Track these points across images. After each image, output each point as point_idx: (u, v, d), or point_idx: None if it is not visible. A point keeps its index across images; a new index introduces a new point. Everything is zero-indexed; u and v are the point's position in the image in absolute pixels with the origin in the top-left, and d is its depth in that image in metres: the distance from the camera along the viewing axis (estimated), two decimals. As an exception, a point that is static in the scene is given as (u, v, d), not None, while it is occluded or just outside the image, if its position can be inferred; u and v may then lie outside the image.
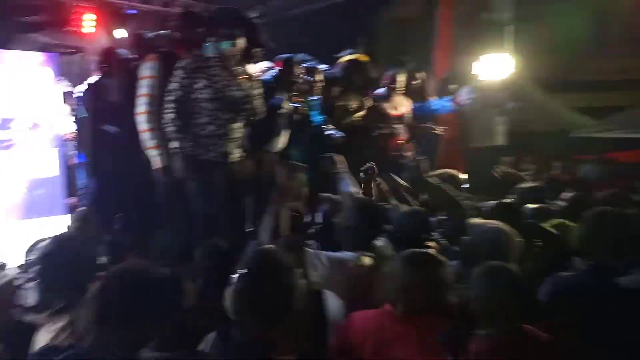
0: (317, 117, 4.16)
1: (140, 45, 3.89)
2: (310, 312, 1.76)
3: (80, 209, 3.72)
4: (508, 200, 3.29)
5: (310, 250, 2.34)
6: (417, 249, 2.11)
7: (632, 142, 8.28)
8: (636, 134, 8.34)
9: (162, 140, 3.22)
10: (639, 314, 1.92)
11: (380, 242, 2.48)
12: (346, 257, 2.32)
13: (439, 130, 5.01)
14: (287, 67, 4.02)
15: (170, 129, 3.10)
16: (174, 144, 3.12)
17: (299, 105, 4.03)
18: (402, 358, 1.78)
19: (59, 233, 2.47)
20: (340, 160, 3.13)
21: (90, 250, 2.28)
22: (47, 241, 2.29)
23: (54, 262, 2.15)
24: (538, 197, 3.54)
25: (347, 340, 1.87)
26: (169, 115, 3.09)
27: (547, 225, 3.05)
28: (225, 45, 3.13)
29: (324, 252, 2.36)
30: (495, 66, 5.50)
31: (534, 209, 3.31)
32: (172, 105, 3.09)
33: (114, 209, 3.71)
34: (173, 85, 3.10)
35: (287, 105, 3.82)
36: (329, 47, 4.83)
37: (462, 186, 3.85)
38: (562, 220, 3.09)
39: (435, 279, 1.84)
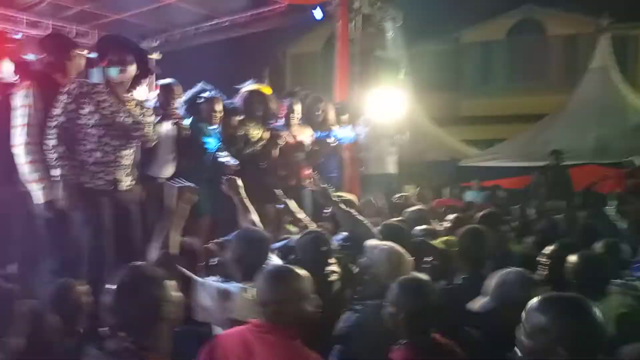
0: (211, 144, 4.17)
1: (20, 71, 3.70)
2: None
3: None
4: (393, 221, 3.47)
5: (199, 279, 2.30)
6: (280, 265, 2.25)
7: (513, 170, 9.11)
8: (516, 163, 9.19)
9: (45, 173, 3.04)
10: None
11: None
12: (232, 289, 2.28)
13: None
14: (165, 91, 4.10)
15: (52, 156, 2.93)
16: (57, 172, 2.95)
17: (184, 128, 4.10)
18: None
19: None
20: (239, 184, 3.14)
21: None
22: None
23: None
24: (423, 219, 3.79)
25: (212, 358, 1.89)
26: (51, 142, 2.93)
27: (436, 242, 3.29)
28: (113, 72, 3.06)
29: (212, 283, 2.33)
30: (388, 101, 5.85)
31: (422, 229, 3.53)
32: (55, 131, 2.93)
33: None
34: (57, 111, 2.96)
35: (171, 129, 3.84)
36: (232, 78, 4.88)
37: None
38: (449, 237, 3.35)
39: (291, 291, 1.93)
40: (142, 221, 3.27)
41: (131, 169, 3.23)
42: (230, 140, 4.36)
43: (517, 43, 14.30)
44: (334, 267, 2.72)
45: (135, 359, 1.65)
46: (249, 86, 4.75)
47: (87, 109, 2.96)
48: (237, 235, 2.59)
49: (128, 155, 3.16)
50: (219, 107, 4.27)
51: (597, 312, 1.52)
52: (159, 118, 3.90)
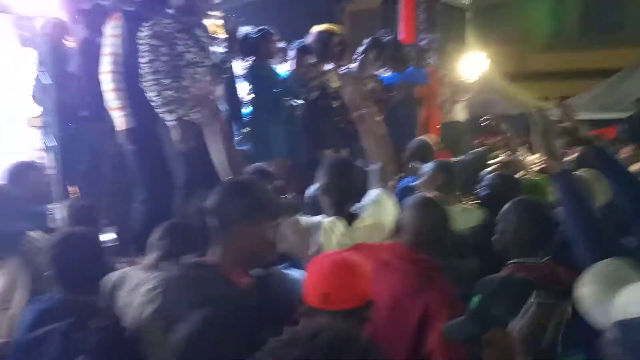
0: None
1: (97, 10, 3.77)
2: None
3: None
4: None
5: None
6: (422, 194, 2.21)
7: (594, 123, 8.58)
8: (595, 115, 8.65)
9: (127, 101, 3.14)
10: None
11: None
12: (320, 222, 2.20)
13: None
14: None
15: (151, 93, 3.04)
16: (159, 108, 3.04)
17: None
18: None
19: None
20: None
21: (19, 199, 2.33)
22: None
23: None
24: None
25: None
26: (149, 83, 3.03)
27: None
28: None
29: (299, 216, 2.27)
30: (471, 64, 5.68)
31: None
32: (151, 73, 3.03)
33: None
34: (149, 55, 3.03)
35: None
36: (290, 36, 4.76)
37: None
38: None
39: (433, 219, 1.97)
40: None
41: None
42: (304, 86, 4.28)
43: (590, -8, 13.36)
44: None
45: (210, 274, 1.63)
46: (319, 27, 4.66)
47: (179, 49, 3.05)
48: (326, 164, 2.46)
49: (216, 90, 3.22)
50: (275, 38, 4.18)
51: None
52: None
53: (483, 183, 2.99)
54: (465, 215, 2.67)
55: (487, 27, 11.43)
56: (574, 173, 2.22)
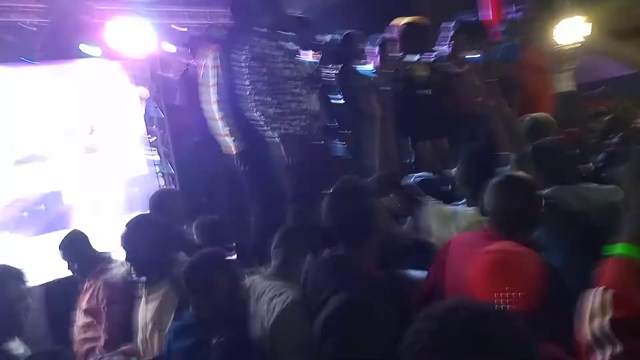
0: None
1: (195, 43, 4.02)
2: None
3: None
4: None
5: (424, 200, 2.33)
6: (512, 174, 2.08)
7: None
8: None
9: (234, 126, 3.31)
10: None
11: None
12: (458, 210, 2.28)
13: None
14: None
15: (259, 113, 3.19)
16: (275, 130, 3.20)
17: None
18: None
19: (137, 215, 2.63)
20: None
21: (158, 224, 2.44)
22: (127, 223, 2.45)
23: (130, 244, 2.36)
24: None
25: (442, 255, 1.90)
26: (262, 106, 3.19)
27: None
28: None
29: (438, 204, 2.36)
30: (571, 29, 5.30)
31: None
32: (255, 93, 3.18)
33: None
34: (253, 77, 3.19)
35: None
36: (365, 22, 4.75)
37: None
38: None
39: (523, 201, 1.84)
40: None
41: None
42: (388, 80, 4.26)
43: None
44: None
45: (351, 265, 1.72)
46: (402, 20, 4.59)
47: (278, 66, 3.19)
48: (463, 156, 2.50)
49: (311, 102, 3.34)
50: (360, 40, 4.18)
51: None
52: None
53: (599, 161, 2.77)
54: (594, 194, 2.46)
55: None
56: None
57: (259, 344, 1.84)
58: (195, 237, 3.04)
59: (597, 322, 1.14)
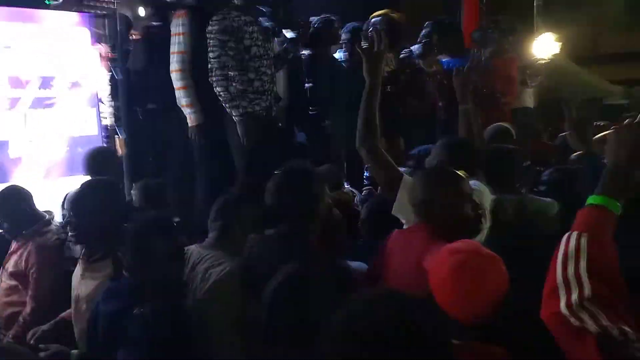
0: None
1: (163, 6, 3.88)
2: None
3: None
4: None
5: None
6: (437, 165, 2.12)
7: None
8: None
9: (195, 98, 3.24)
10: None
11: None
12: None
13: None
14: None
15: (219, 89, 3.13)
16: (226, 102, 3.15)
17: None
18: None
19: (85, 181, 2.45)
20: None
21: (118, 193, 2.33)
22: (74, 190, 2.33)
23: (81, 208, 2.18)
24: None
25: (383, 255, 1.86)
26: (218, 79, 3.12)
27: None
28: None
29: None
30: (541, 46, 5.40)
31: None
32: (219, 69, 3.11)
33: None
34: (218, 50, 3.10)
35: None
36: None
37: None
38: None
39: (453, 193, 1.77)
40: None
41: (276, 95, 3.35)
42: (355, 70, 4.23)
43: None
44: None
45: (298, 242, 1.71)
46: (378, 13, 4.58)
47: (245, 42, 3.10)
48: (443, 143, 2.42)
49: (276, 83, 3.27)
50: (338, 25, 4.14)
51: None
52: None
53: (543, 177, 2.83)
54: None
55: (557, 9, 10.82)
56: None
57: (186, 315, 1.77)
58: (136, 198, 2.93)
59: (571, 266, 1.13)
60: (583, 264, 1.12)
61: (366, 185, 3.46)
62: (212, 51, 3.12)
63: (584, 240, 1.15)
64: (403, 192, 1.94)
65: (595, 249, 1.14)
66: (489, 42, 5.35)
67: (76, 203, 2.23)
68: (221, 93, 3.13)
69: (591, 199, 1.24)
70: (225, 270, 1.84)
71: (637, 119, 1.29)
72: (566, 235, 1.19)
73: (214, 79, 3.12)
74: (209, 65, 3.13)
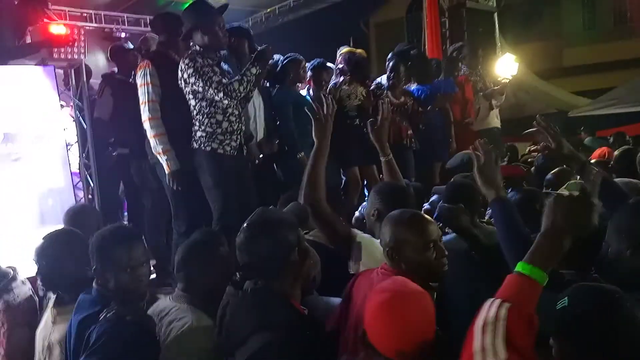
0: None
1: (123, 56, 3.91)
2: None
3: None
4: None
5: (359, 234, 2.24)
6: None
7: (635, 115, 8.20)
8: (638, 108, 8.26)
9: (167, 145, 3.23)
10: None
11: None
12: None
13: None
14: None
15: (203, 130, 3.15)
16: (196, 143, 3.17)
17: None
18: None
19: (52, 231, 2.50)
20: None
21: (79, 241, 2.32)
22: (42, 240, 2.36)
23: (45, 257, 2.29)
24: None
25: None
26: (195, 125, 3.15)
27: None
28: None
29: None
30: (503, 67, 5.58)
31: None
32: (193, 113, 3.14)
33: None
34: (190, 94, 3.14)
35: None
36: (316, 53, 4.78)
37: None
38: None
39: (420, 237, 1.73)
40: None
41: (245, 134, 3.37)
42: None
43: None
44: None
45: (274, 299, 1.67)
46: (343, 49, 4.68)
47: (213, 79, 3.08)
48: (381, 189, 2.34)
49: (245, 121, 3.30)
50: (304, 64, 4.18)
51: None
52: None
53: None
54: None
55: (518, 26, 11.20)
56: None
57: (149, 324, 1.82)
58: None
59: (489, 334, 1.17)
60: (500, 333, 1.16)
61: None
62: (179, 96, 3.14)
63: (504, 310, 1.19)
64: (365, 253, 2.00)
65: (514, 319, 1.18)
66: (454, 69, 5.53)
67: (41, 252, 2.32)
68: (193, 135, 3.16)
69: (519, 266, 1.29)
70: (185, 327, 1.83)
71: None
72: (489, 301, 1.23)
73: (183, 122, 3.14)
74: (191, 109, 3.17)
